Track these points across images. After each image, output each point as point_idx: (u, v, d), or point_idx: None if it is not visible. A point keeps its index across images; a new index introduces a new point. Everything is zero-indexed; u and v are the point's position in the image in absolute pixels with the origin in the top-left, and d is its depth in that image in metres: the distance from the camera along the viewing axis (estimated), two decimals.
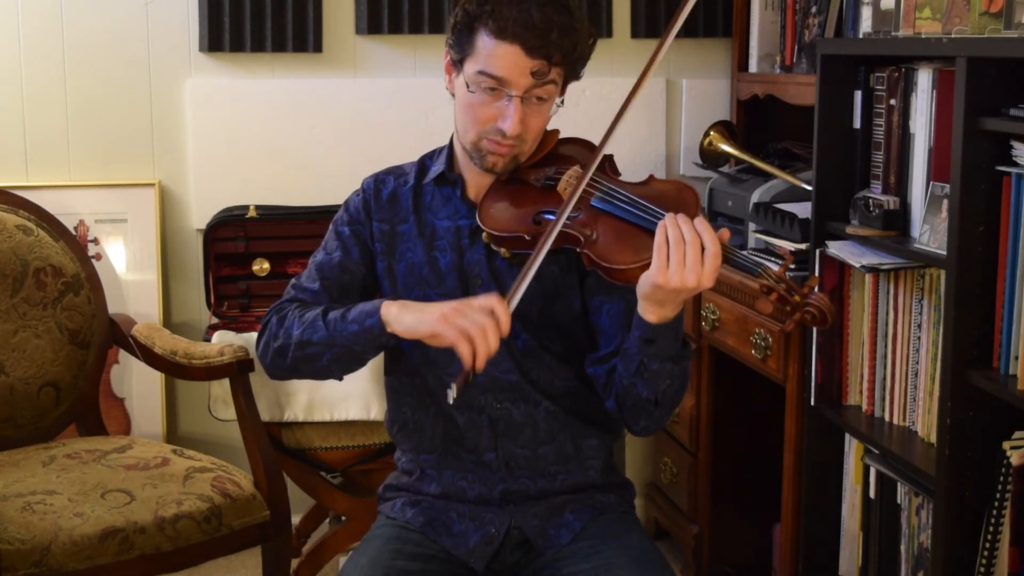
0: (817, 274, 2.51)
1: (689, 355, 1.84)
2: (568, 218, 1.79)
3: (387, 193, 1.99)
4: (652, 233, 1.71)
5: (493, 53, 1.79)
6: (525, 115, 1.82)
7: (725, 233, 1.72)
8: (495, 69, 1.79)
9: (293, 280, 2.01)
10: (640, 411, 1.85)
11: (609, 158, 1.90)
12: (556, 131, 1.96)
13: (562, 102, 1.88)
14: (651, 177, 1.88)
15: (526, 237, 1.83)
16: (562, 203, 1.80)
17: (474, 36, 1.81)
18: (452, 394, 1.71)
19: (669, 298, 1.71)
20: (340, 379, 1.95)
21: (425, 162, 2.01)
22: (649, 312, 1.74)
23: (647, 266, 1.69)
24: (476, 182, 1.94)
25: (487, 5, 1.80)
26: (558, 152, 1.94)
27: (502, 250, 1.88)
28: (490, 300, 1.73)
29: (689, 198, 1.79)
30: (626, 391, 1.84)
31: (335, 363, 1.89)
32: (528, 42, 1.77)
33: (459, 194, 1.94)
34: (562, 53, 1.80)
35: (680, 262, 1.66)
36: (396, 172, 2.02)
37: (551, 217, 1.81)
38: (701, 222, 1.69)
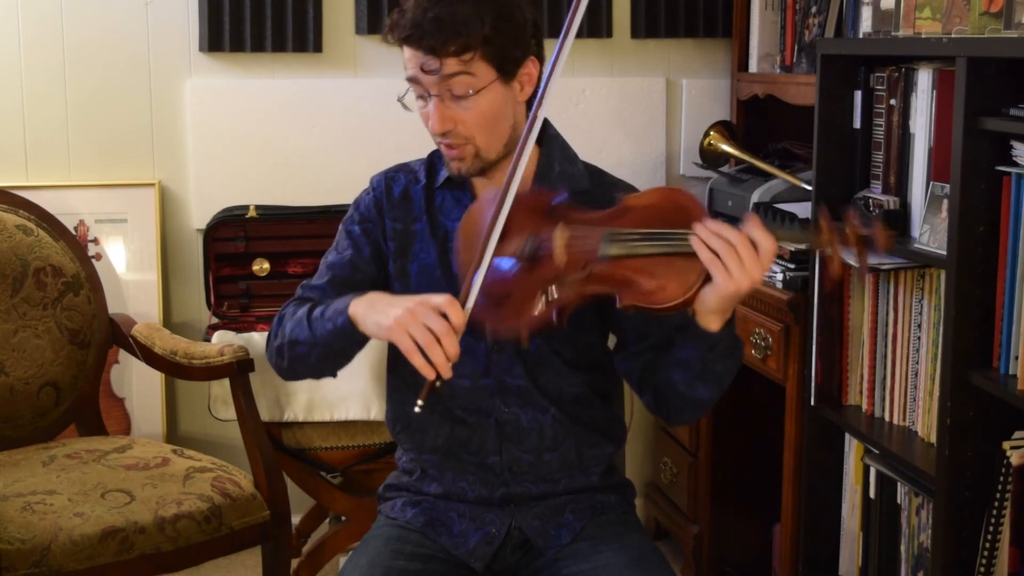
0: (817, 274, 2.52)
1: (741, 342, 1.81)
2: (580, 277, 1.71)
3: (399, 191, 1.96)
4: (683, 255, 1.63)
5: (405, 58, 1.82)
6: (449, 111, 1.79)
7: (754, 218, 1.65)
8: (408, 72, 1.81)
9: (304, 280, 2.00)
10: (689, 407, 1.84)
11: (565, 197, 1.80)
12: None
13: (502, 85, 1.80)
14: (623, 196, 1.76)
15: (553, 321, 1.72)
16: (567, 271, 1.71)
17: (402, 50, 1.83)
18: (418, 404, 1.67)
19: (732, 303, 1.68)
20: (334, 376, 1.93)
21: (434, 160, 1.98)
22: (714, 322, 1.70)
23: (699, 290, 1.64)
24: (484, 183, 1.92)
25: (389, 20, 1.84)
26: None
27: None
28: (442, 301, 1.69)
29: (682, 199, 1.70)
30: (680, 395, 1.81)
31: (322, 361, 1.88)
32: (412, 40, 1.78)
33: (471, 196, 1.92)
34: (447, 43, 1.75)
35: (739, 265, 1.61)
36: (405, 170, 1.99)
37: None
38: (751, 219, 1.63)
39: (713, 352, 1.75)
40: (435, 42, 1.75)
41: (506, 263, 1.76)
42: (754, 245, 1.61)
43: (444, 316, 1.67)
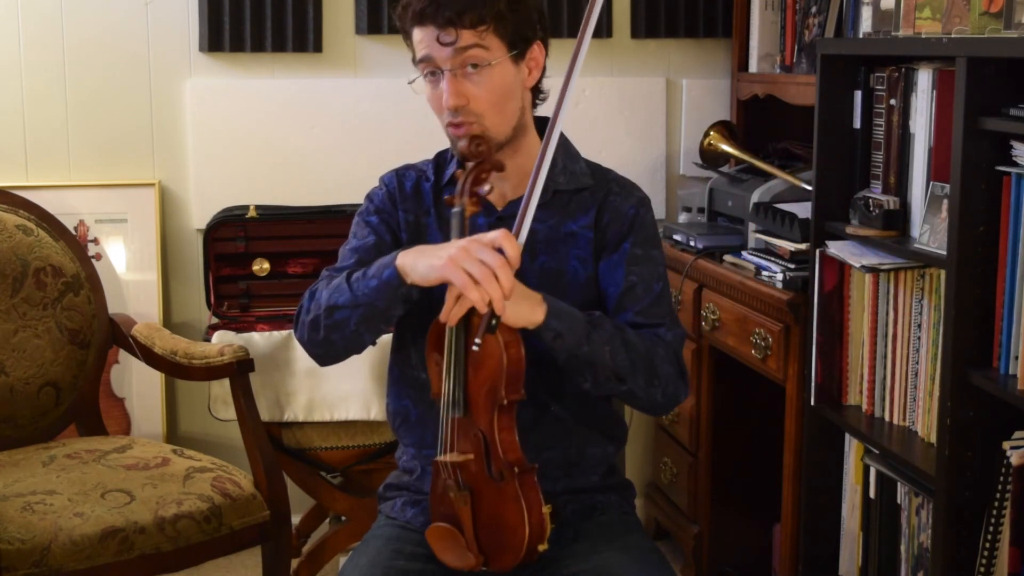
0: (817, 274, 2.52)
1: (606, 327, 1.82)
2: None
3: (410, 186, 2.00)
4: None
5: (417, 40, 1.86)
6: (462, 86, 1.84)
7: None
8: (420, 52, 1.86)
9: (325, 268, 2.00)
10: (620, 397, 1.91)
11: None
12: None
13: (512, 64, 1.86)
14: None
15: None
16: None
17: (409, 36, 1.89)
18: (476, 342, 1.70)
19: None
20: (373, 343, 1.91)
21: (440, 161, 2.02)
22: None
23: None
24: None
25: (399, 4, 1.88)
26: None
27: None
28: (498, 236, 1.71)
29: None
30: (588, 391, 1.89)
31: (362, 324, 1.85)
32: (432, 16, 1.82)
33: None
34: (464, 13, 1.81)
35: (470, 285, 1.69)
36: (415, 168, 2.04)
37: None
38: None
39: (561, 342, 1.79)
40: (452, 13, 1.81)
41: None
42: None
43: (499, 250, 1.70)
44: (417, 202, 1.99)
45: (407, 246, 1.93)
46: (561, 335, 1.78)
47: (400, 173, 2.03)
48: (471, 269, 1.69)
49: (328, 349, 1.92)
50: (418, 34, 1.86)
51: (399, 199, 1.99)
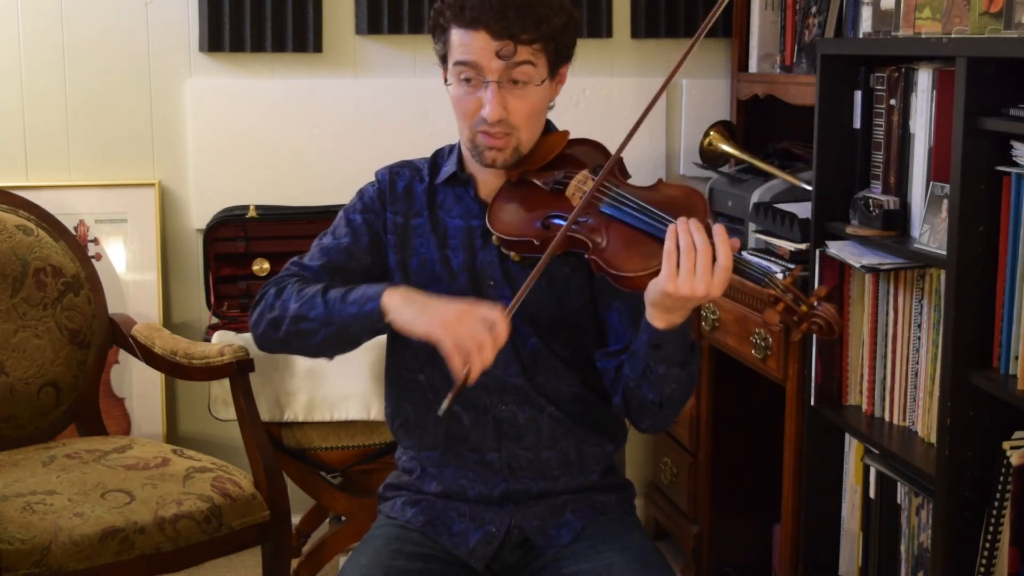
0: (817, 274, 2.52)
1: (696, 360, 1.83)
2: (576, 223, 1.79)
3: (402, 186, 1.99)
4: (661, 240, 1.69)
5: (462, 42, 1.83)
6: (505, 99, 1.83)
7: (736, 243, 1.70)
8: (466, 57, 1.82)
9: (294, 258, 2.01)
10: (645, 411, 1.86)
11: (619, 161, 1.89)
12: (566, 132, 1.96)
13: (548, 83, 1.87)
14: (660, 182, 1.86)
15: (535, 242, 1.82)
16: (571, 208, 1.80)
17: (447, 32, 1.86)
18: (443, 406, 1.71)
19: (677, 305, 1.70)
20: (330, 359, 1.95)
21: (437, 160, 2.01)
22: (657, 319, 1.73)
23: (655, 273, 1.68)
24: (487, 181, 1.94)
25: (445, 3, 1.85)
26: (568, 154, 1.93)
27: (512, 253, 1.88)
28: (493, 314, 1.72)
29: (698, 202, 1.78)
30: (631, 392, 1.84)
31: (328, 342, 1.87)
32: (489, 24, 1.80)
33: (472, 194, 1.95)
34: (526, 31, 1.80)
35: (690, 270, 1.65)
36: (410, 166, 2.02)
37: (560, 222, 1.81)
38: (718, 231, 1.67)
39: (658, 352, 1.77)
40: (516, 28, 1.79)
41: (536, 184, 1.88)
42: (715, 259, 1.66)
43: (492, 327, 1.71)
44: (408, 203, 1.98)
45: (395, 247, 1.96)
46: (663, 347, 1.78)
47: (394, 171, 2.02)
48: (462, 340, 1.71)
49: (281, 348, 1.94)
50: (464, 36, 1.82)
51: (389, 199, 1.99)
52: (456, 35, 1.83)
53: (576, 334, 1.92)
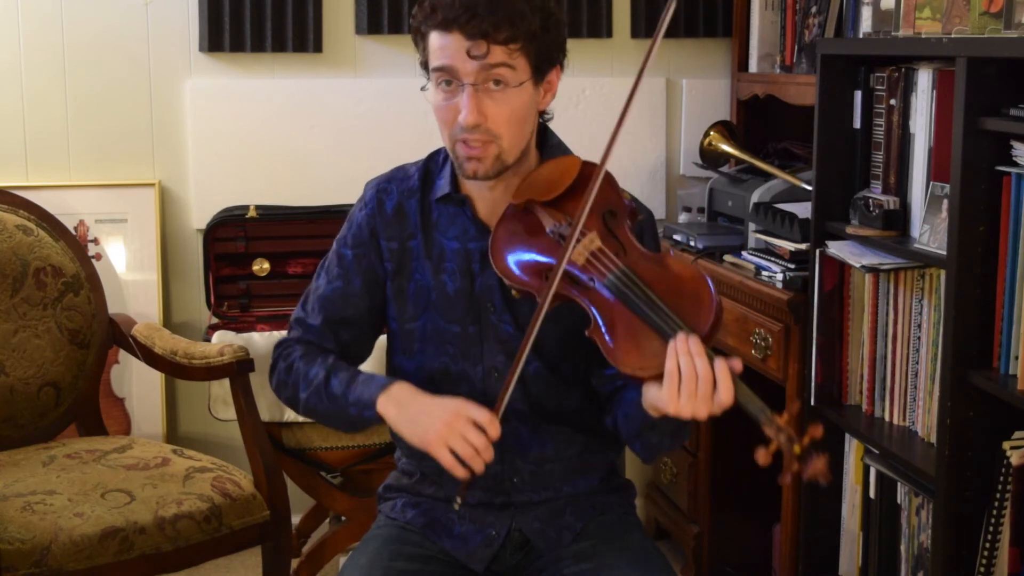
0: (817, 274, 2.51)
1: (689, 427, 1.84)
2: (579, 286, 1.73)
3: (392, 207, 1.92)
4: (663, 339, 1.65)
5: (437, 46, 1.77)
6: (482, 103, 1.75)
7: (737, 365, 1.67)
8: (442, 61, 1.76)
9: (296, 312, 1.96)
10: (632, 447, 1.92)
11: (628, 208, 1.80)
12: (578, 161, 1.86)
13: (531, 86, 1.79)
14: (667, 254, 1.76)
15: (536, 297, 1.76)
16: (575, 264, 1.74)
17: (426, 38, 1.79)
18: (458, 501, 1.78)
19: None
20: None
21: (430, 166, 1.94)
22: (653, 411, 1.72)
23: (654, 376, 1.66)
24: (484, 198, 1.88)
25: (425, 4, 1.79)
26: (578, 185, 1.80)
27: (512, 291, 1.82)
28: (483, 415, 1.74)
29: (704, 297, 1.70)
30: (623, 439, 1.90)
31: (335, 425, 1.95)
32: (461, 24, 1.73)
33: (468, 214, 1.88)
34: (499, 29, 1.73)
35: (691, 396, 1.64)
36: (399, 178, 1.94)
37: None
38: (719, 364, 1.64)
39: (652, 431, 1.81)
40: (488, 26, 1.72)
41: (542, 223, 1.80)
42: (715, 386, 1.64)
43: (483, 429, 1.74)
44: (400, 225, 1.91)
45: (393, 274, 1.91)
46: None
47: (381, 189, 1.94)
48: (456, 448, 1.74)
49: (297, 410, 1.98)
50: (440, 40, 1.76)
51: (380, 226, 1.91)
52: (433, 39, 1.77)
53: (577, 352, 1.88)
